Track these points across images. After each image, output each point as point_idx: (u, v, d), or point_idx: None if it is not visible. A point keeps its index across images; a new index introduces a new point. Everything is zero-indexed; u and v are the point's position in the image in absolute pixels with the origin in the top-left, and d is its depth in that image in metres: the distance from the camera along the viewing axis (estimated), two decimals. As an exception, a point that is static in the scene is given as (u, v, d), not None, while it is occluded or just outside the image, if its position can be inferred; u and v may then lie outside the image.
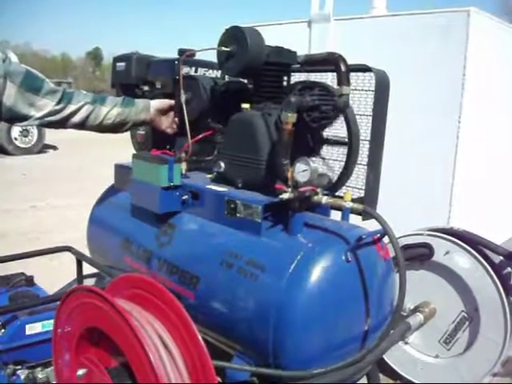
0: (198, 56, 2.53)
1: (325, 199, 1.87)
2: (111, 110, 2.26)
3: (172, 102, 2.42)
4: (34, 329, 1.99)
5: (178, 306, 1.44)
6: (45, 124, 2.17)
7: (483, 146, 3.48)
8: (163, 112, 2.43)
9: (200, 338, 1.37)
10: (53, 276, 3.37)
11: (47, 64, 63.62)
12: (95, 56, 76.32)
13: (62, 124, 2.21)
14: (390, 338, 1.84)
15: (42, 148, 15.10)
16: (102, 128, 2.28)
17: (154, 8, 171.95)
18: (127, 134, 2.62)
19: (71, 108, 2.18)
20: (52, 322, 1.73)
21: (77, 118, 2.20)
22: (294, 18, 3.92)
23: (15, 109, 2.12)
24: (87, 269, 2.50)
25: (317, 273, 1.75)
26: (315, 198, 1.87)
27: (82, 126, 2.24)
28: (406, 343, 2.51)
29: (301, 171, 1.83)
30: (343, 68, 1.98)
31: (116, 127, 2.32)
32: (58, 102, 2.16)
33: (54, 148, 15.70)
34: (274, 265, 1.82)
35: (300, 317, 1.73)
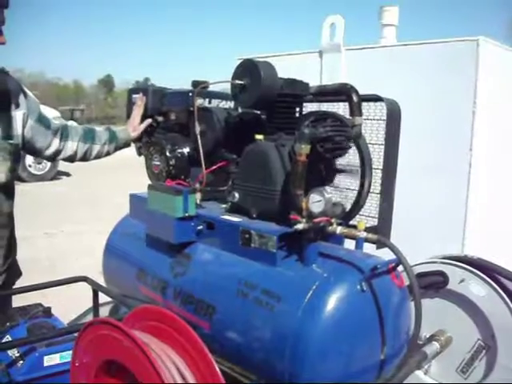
0: (211, 87, 2.58)
1: (339, 229, 1.88)
2: (101, 148, 2.72)
3: (145, 124, 2.76)
4: (52, 360, 2.00)
5: (195, 337, 1.46)
6: (51, 159, 2.80)
7: (496, 174, 3.48)
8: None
9: (218, 370, 1.38)
10: (69, 304, 3.40)
11: (60, 91, 64.65)
12: (107, 83, 77.50)
13: (66, 160, 2.71)
14: (407, 368, 1.84)
15: (56, 175, 15.24)
16: (94, 159, 2.78)
17: (163, 37, 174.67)
18: (140, 160, 2.76)
19: (69, 147, 2.62)
20: (70, 353, 1.74)
21: (77, 158, 2.69)
22: (305, 49, 4.00)
23: (32, 141, 2.49)
24: (102, 298, 2.51)
25: (332, 303, 1.76)
26: (330, 228, 1.89)
27: (81, 161, 2.75)
28: (423, 372, 2.48)
29: (315, 202, 1.84)
30: (355, 99, 2.02)
31: (104, 157, 2.81)
32: (60, 140, 2.58)
33: (68, 175, 15.85)
34: (290, 295, 1.83)
35: (316, 347, 1.73)
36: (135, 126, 2.75)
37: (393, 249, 1.78)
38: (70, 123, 3.07)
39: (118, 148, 2.81)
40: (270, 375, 1.84)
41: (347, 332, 1.79)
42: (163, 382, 1.30)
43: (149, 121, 2.75)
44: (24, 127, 2.40)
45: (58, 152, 2.61)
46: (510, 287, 2.31)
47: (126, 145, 2.83)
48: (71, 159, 2.71)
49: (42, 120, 2.52)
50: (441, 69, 3.20)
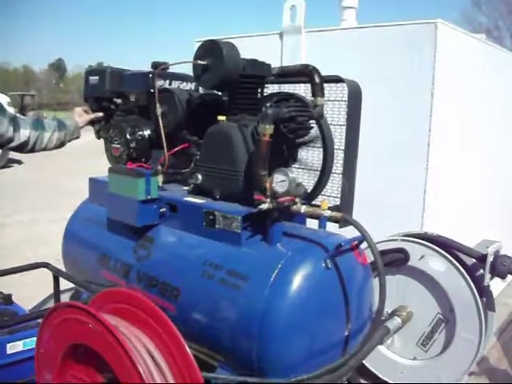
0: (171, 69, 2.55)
1: (303, 208, 1.91)
2: (52, 135, 2.52)
3: (91, 116, 2.68)
4: (15, 347, 1.96)
5: (165, 318, 1.45)
6: (2, 146, 2.46)
7: (454, 154, 3.57)
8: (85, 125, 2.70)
9: (188, 350, 1.38)
10: (26, 291, 3.32)
11: (9, 77, 62.46)
12: (58, 67, 75.29)
13: (16, 150, 2.50)
14: (371, 343, 1.88)
15: (7, 163, 14.76)
16: (44, 150, 2.56)
17: (117, 17, 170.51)
18: (92, 146, 2.69)
19: (22, 134, 2.43)
20: (33, 339, 1.71)
21: (29, 146, 2.47)
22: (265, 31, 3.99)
23: None
24: (62, 285, 2.47)
25: (298, 281, 1.78)
26: (294, 207, 1.91)
27: (31, 151, 2.51)
28: (385, 347, 2.55)
29: (279, 181, 1.86)
30: (317, 80, 2.03)
31: (55, 148, 2.60)
32: (14, 128, 2.40)
33: (19, 162, 15.37)
34: (256, 274, 1.84)
35: (283, 325, 1.75)
36: (80, 113, 2.69)
37: (357, 226, 1.82)
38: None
39: (68, 136, 2.63)
40: (238, 354, 1.85)
41: (313, 309, 1.82)
42: (134, 364, 1.29)
43: (98, 114, 2.70)
44: None
45: (10, 139, 2.45)
46: (468, 262, 2.39)
47: (76, 133, 2.66)
48: (23, 147, 2.54)
49: None
50: (400, 51, 3.25)
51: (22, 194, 10.17)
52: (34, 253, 5.71)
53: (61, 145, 2.61)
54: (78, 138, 2.67)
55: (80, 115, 2.66)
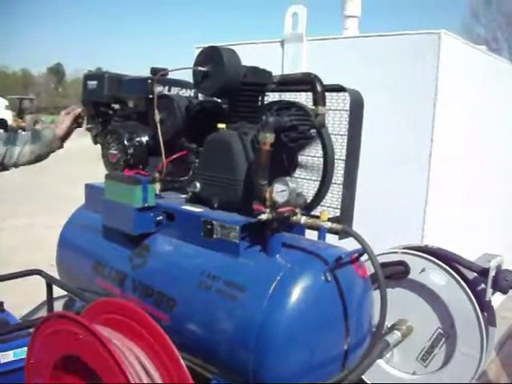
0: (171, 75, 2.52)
1: (303, 219, 1.87)
2: (22, 149, 2.39)
3: (67, 122, 2.52)
4: (5, 357, 1.91)
5: (159, 330, 1.42)
6: None
7: (457, 165, 3.55)
8: (68, 136, 2.55)
9: (183, 363, 1.34)
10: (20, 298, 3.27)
11: (8, 80, 62.50)
12: (57, 72, 75.44)
13: None
14: (370, 358, 1.84)
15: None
16: (20, 165, 2.44)
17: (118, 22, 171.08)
18: (90, 151, 2.63)
19: None
20: (24, 349, 1.66)
21: None
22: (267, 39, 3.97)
23: None
24: (56, 292, 2.42)
25: (296, 293, 1.74)
26: (294, 218, 1.87)
27: (2, 168, 2.40)
28: (384, 361, 2.51)
29: (279, 191, 1.82)
30: (319, 88, 2.00)
31: (34, 162, 2.47)
32: None
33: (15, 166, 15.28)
34: (254, 286, 1.80)
35: (281, 338, 1.71)
36: (63, 119, 2.56)
37: (358, 238, 1.78)
38: None
39: (45, 148, 2.48)
40: (233, 367, 1.81)
41: (311, 322, 1.77)
42: (126, 377, 1.25)
43: (70, 117, 2.56)
44: None
45: None
46: (469, 276, 2.35)
47: (55, 144, 2.51)
48: None
49: None
50: (403, 61, 3.23)
51: (19, 199, 10.12)
52: (28, 257, 5.67)
53: (37, 158, 2.47)
54: (60, 148, 2.55)
55: (62, 122, 2.54)
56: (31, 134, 2.47)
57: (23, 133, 2.55)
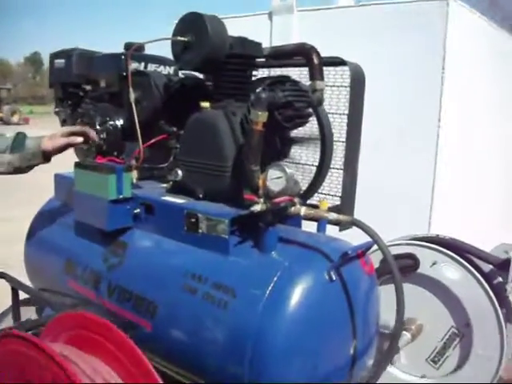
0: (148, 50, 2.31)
1: (304, 210, 1.64)
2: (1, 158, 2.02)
3: (66, 140, 2.05)
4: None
5: (132, 347, 1.19)
6: None
7: (465, 146, 3.32)
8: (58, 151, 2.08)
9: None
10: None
11: (-16, 70, 61.60)
12: (34, 61, 74.76)
13: None
14: (383, 367, 1.63)
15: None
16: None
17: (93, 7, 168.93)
18: None
19: None
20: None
21: None
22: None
23: None
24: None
25: (297, 296, 1.53)
26: (292, 209, 1.63)
27: None
28: (391, 364, 2.33)
29: (274, 178, 1.62)
30: (316, 61, 1.81)
31: (13, 173, 2.08)
32: None
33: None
34: (247, 288, 1.59)
35: (280, 347, 1.51)
36: (56, 135, 2.08)
37: (369, 232, 1.56)
38: None
39: (26, 162, 2.05)
40: (226, 379, 1.59)
41: (314, 328, 1.57)
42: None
43: (77, 139, 2.07)
44: None
45: None
46: (485, 269, 2.17)
47: (38, 159, 2.07)
48: None
49: None
50: (404, 32, 2.99)
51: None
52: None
53: (16, 170, 2.07)
54: (46, 162, 2.09)
55: (53, 138, 2.07)
56: (12, 141, 2.07)
57: (7, 135, 2.13)
